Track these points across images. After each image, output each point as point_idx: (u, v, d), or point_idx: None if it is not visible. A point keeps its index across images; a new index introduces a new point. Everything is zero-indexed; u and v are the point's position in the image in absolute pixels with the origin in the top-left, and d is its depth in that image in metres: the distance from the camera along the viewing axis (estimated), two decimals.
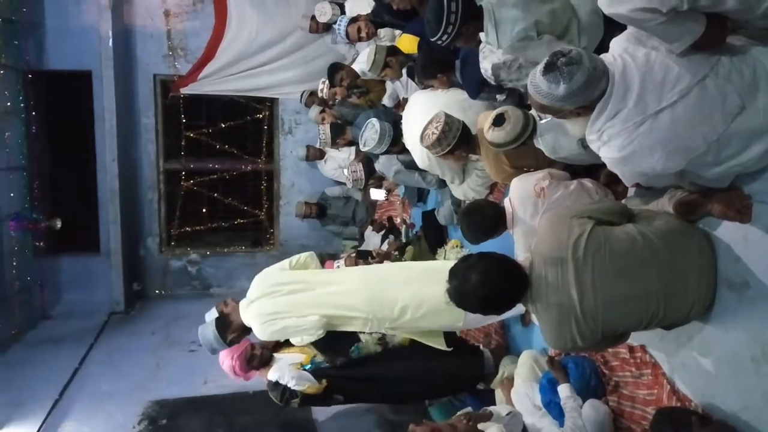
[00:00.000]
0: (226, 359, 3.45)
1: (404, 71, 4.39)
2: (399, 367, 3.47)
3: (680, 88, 1.59)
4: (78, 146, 6.29)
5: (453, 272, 1.97)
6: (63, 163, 6.39)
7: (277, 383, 3.38)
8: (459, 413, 2.71)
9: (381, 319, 3.10)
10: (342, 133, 5.10)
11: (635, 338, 2.29)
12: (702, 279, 1.88)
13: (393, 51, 4.09)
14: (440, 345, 3.25)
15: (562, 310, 1.84)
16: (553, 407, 2.51)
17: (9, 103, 5.61)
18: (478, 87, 2.86)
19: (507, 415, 2.52)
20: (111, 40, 5.91)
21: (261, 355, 3.50)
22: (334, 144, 5.29)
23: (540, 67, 1.65)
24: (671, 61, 1.62)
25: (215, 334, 3.13)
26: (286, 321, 3.08)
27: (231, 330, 3.22)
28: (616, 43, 1.76)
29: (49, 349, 5.19)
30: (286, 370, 3.37)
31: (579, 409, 2.40)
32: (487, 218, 2.65)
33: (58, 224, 5.83)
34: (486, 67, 2.62)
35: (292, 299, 3.13)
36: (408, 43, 4.08)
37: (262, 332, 3.14)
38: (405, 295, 3.06)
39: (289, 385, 3.34)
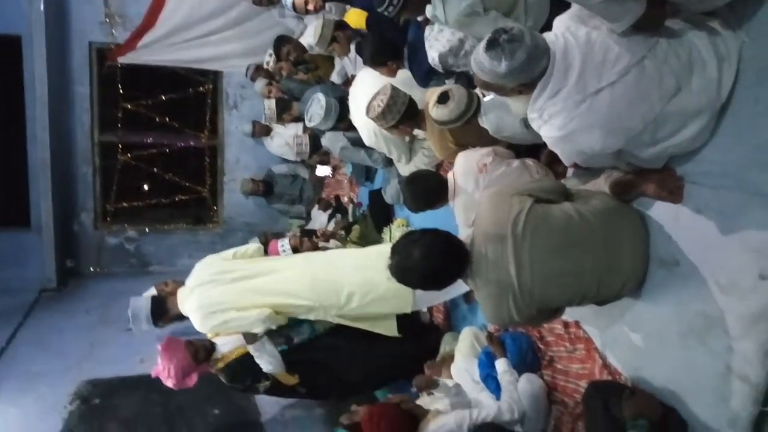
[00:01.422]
0: (165, 368, 3.07)
1: (353, 47, 4.33)
2: (350, 350, 3.32)
3: (619, 68, 1.62)
4: (6, 114, 5.91)
5: (395, 248, 1.97)
6: None
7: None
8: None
9: (327, 307, 3.06)
10: (288, 108, 5.00)
11: (570, 314, 2.35)
12: (635, 257, 1.95)
13: (341, 26, 4.01)
14: (392, 332, 3.25)
15: (500, 285, 1.87)
16: (491, 381, 2.56)
17: None
18: (426, 75, 2.88)
19: (453, 386, 2.57)
20: (42, 4, 5.53)
21: (204, 346, 3.18)
22: (280, 119, 5.18)
23: (483, 44, 1.66)
24: (611, 41, 1.64)
25: (148, 311, 3.03)
26: (229, 314, 3.00)
27: (165, 314, 3.13)
28: (559, 22, 1.77)
29: None
30: (265, 348, 3.11)
31: (515, 383, 2.46)
32: (429, 187, 2.67)
33: None
34: (433, 56, 2.64)
35: (234, 287, 3.05)
36: (356, 17, 4.02)
37: (202, 325, 3.06)
38: (351, 281, 3.04)
39: (261, 366, 3.10)
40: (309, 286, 3.02)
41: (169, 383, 3.05)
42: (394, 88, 2.85)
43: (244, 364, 3.16)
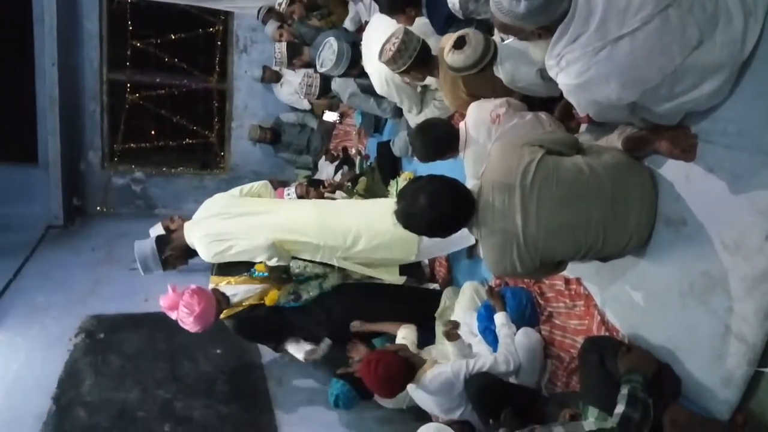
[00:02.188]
0: (192, 312, 3.04)
1: None
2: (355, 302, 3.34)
3: (642, 15, 1.56)
4: (13, 48, 5.83)
5: (402, 193, 1.96)
6: None
7: None
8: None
9: (333, 248, 3.08)
10: (299, 53, 4.89)
11: (571, 270, 2.35)
12: (642, 214, 1.93)
13: None
14: (394, 277, 3.27)
15: (505, 235, 1.86)
16: (488, 334, 2.59)
17: None
18: (446, 22, 2.79)
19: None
20: None
21: (224, 297, 3.24)
22: (291, 64, 5.08)
23: None
24: None
25: (153, 249, 3.05)
26: (234, 242, 3.03)
27: (171, 247, 3.14)
28: None
29: None
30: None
31: (513, 336, 2.48)
32: (440, 136, 2.63)
33: None
34: (453, 1, 2.53)
35: (241, 221, 3.08)
36: None
37: (206, 252, 3.08)
38: (358, 224, 3.06)
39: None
40: (316, 226, 3.05)
41: (189, 326, 3.08)
42: (407, 32, 2.77)
43: (252, 321, 3.26)
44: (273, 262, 3.10)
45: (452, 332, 2.63)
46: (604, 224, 1.87)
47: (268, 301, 3.26)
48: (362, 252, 3.05)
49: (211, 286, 3.31)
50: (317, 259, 3.20)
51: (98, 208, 6.47)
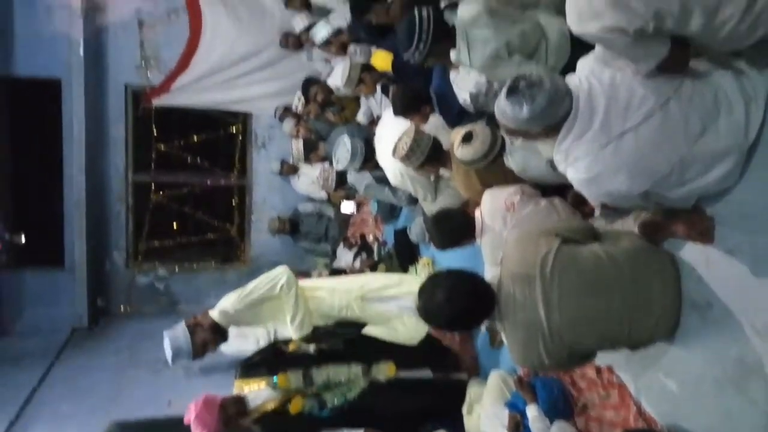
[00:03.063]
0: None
1: (378, 87, 4.41)
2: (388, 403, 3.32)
3: (644, 110, 1.61)
4: (44, 156, 6.14)
5: (421, 289, 1.97)
6: (28, 173, 6.22)
7: None
8: None
9: (348, 290, 3.37)
10: (314, 149, 5.08)
11: (602, 359, 2.29)
12: (666, 299, 1.89)
13: (367, 68, 4.10)
14: (411, 340, 3.39)
15: (529, 328, 1.84)
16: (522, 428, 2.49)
17: None
18: (458, 116, 2.91)
19: None
20: (82, 48, 5.80)
21: (234, 401, 3.19)
22: (307, 159, 5.26)
23: (503, 91, 1.68)
24: (636, 83, 1.64)
25: (185, 330, 3.07)
26: (254, 283, 3.25)
27: (201, 331, 3.15)
28: (583, 65, 1.78)
29: (7, 367, 4.99)
30: None
31: (547, 430, 2.38)
32: (456, 225, 2.67)
33: (21, 239, 5.66)
34: (464, 96, 2.68)
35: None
36: (382, 59, 4.10)
37: (232, 301, 3.19)
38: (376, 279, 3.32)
39: None
40: (331, 285, 3.44)
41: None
42: (417, 130, 2.89)
43: (276, 423, 3.20)
44: (297, 321, 3.22)
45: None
46: (628, 312, 1.84)
47: (293, 408, 3.21)
48: (376, 292, 3.27)
49: (234, 390, 3.27)
50: (335, 310, 3.35)
51: (122, 308, 6.54)
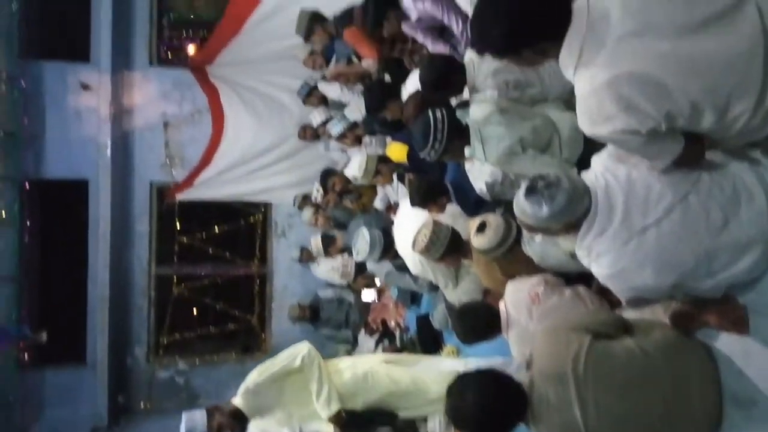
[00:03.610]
0: None
1: (395, 176, 4.51)
2: None
3: (664, 205, 1.62)
4: (70, 254, 6.28)
5: (449, 390, 1.91)
6: (54, 272, 6.35)
7: None
8: None
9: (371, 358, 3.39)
10: (333, 242, 5.17)
11: None
12: (705, 394, 1.81)
13: (383, 159, 4.21)
14: None
15: (566, 431, 1.76)
16: None
17: (4, 215, 5.66)
18: (475, 206, 2.95)
19: None
20: (109, 150, 6.08)
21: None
22: (327, 254, 5.34)
23: (522, 190, 1.71)
24: (653, 179, 1.66)
25: (203, 415, 3.01)
26: (276, 357, 3.23)
27: (220, 415, 3.09)
28: (597, 161, 1.81)
29: None
30: None
31: None
32: (480, 320, 2.63)
33: (44, 338, 5.68)
34: (480, 186, 2.72)
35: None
36: (397, 151, 4.21)
37: (253, 376, 3.17)
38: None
39: None
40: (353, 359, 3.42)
41: None
42: (436, 223, 2.92)
43: None
44: (323, 396, 3.14)
45: None
46: (668, 408, 1.76)
47: None
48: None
49: None
50: (359, 380, 3.26)
51: (142, 404, 6.43)
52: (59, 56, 6.22)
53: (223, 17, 5.31)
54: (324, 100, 5.62)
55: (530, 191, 1.69)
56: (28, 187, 6.04)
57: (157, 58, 6.58)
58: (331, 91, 5.39)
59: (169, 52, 6.72)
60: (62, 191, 6.28)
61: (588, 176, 1.76)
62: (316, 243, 5.25)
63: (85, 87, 6.11)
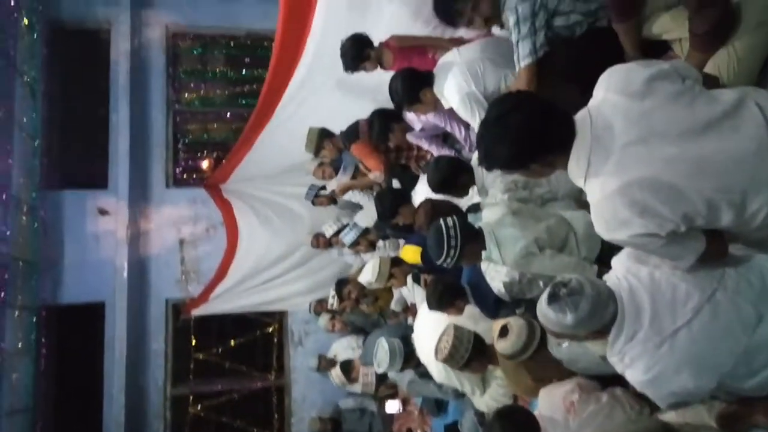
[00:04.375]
0: None
1: (409, 277, 4.49)
2: None
3: (692, 306, 1.58)
4: (85, 378, 6.17)
5: None
6: (69, 398, 6.21)
7: None
8: None
9: None
10: (352, 367, 5.13)
11: None
12: None
13: (397, 262, 4.21)
14: None
15: None
16: None
17: (20, 344, 5.63)
18: (494, 307, 2.91)
19: None
20: (126, 272, 6.15)
21: None
22: (351, 381, 5.26)
23: (544, 297, 1.68)
24: (676, 279, 1.63)
25: None
26: None
27: None
28: (618, 263, 1.79)
29: None
30: None
31: None
32: (519, 425, 2.47)
33: None
34: (498, 286, 2.68)
35: None
36: (411, 253, 4.22)
37: None
38: None
39: None
40: None
41: None
42: (457, 328, 2.86)
43: None
44: None
45: None
46: None
47: None
48: None
49: None
50: None
51: None
52: (78, 184, 6.48)
53: (238, 140, 5.55)
54: (333, 200, 5.74)
55: (553, 299, 1.66)
56: (44, 313, 6.05)
57: (173, 180, 6.81)
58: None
59: (184, 174, 6.97)
60: (78, 315, 6.28)
61: (610, 279, 1.74)
62: (337, 375, 5.23)
63: (103, 212, 6.29)
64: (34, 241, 5.87)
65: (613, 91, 1.59)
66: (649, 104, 1.54)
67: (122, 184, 6.26)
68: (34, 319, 5.88)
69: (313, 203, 5.82)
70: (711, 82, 1.74)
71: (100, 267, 6.18)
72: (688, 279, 1.63)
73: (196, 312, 6.40)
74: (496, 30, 2.64)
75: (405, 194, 3.71)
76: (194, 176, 6.95)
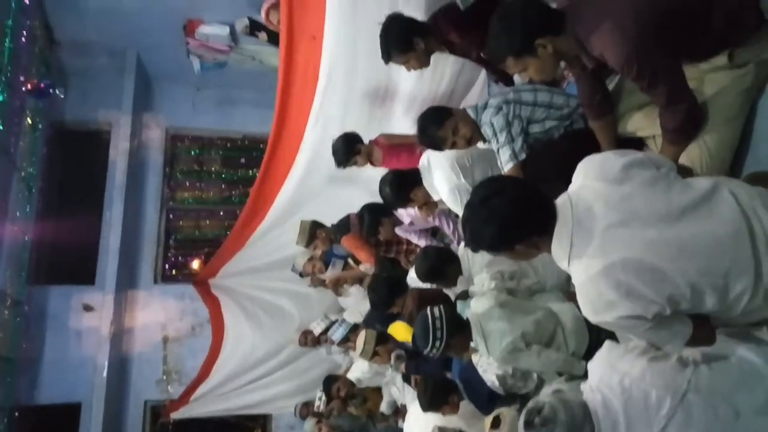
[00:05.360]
0: None
1: (399, 377, 4.36)
2: None
3: (664, 412, 1.53)
4: None
5: None
6: None
7: None
8: None
9: None
10: None
11: None
12: None
13: (382, 340, 4.11)
14: None
15: None
16: None
17: None
18: (489, 401, 2.82)
19: None
20: (106, 371, 5.93)
21: None
22: None
23: (521, 425, 1.69)
24: (646, 385, 1.58)
25: None
26: None
27: None
28: (593, 370, 1.77)
29: None
30: None
31: None
32: None
33: None
34: (491, 379, 2.63)
35: None
36: (404, 331, 4.11)
37: None
38: None
39: None
40: None
41: None
42: (442, 429, 2.77)
43: None
44: None
45: None
46: None
47: None
48: None
49: None
50: None
51: None
52: (65, 280, 6.40)
53: (229, 236, 5.60)
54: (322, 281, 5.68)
55: (528, 426, 1.67)
56: (17, 414, 5.74)
57: (161, 276, 6.77)
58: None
59: (173, 270, 6.95)
60: (53, 416, 5.97)
61: (586, 391, 1.72)
62: None
63: (88, 309, 6.19)
64: (16, 336, 5.70)
65: (591, 178, 1.66)
66: (628, 189, 1.59)
67: (110, 279, 6.19)
68: (7, 419, 5.57)
69: (301, 275, 5.75)
70: (685, 173, 1.82)
71: (79, 365, 5.97)
72: (658, 383, 1.57)
73: (176, 415, 6.11)
74: (480, 145, 2.79)
75: (400, 283, 3.68)
76: (183, 272, 6.92)
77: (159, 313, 6.50)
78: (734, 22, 1.84)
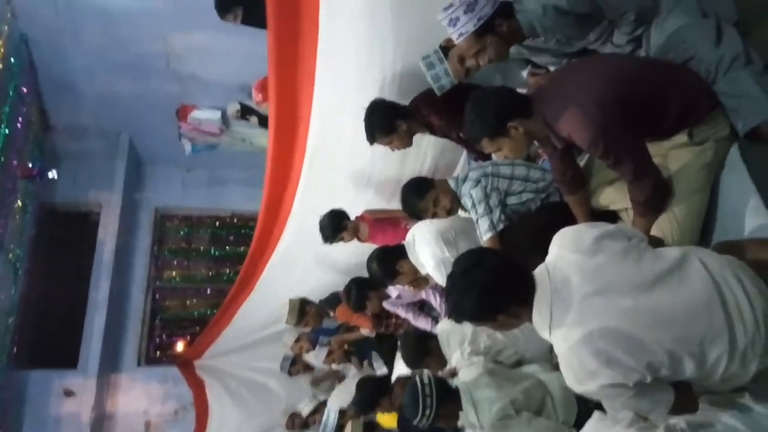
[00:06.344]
0: None
1: None
2: None
3: None
4: None
5: None
6: None
7: None
8: None
9: None
10: None
11: None
12: None
13: (370, 427, 4.00)
14: None
15: None
16: None
17: None
18: None
19: None
20: None
21: None
22: None
23: None
24: None
25: None
26: None
27: None
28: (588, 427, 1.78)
29: None
30: None
31: None
32: None
33: None
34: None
35: None
36: (391, 418, 4.03)
37: None
38: None
39: None
40: None
41: None
42: None
43: None
44: None
45: None
46: None
47: None
48: None
49: None
50: None
51: None
52: (47, 364, 6.24)
53: (216, 314, 5.55)
54: (309, 368, 5.57)
55: None
56: None
57: (145, 358, 6.63)
58: (315, 359, 5.38)
59: (158, 351, 6.82)
60: None
61: None
62: None
63: (69, 394, 6.00)
64: None
65: (566, 250, 1.73)
66: (601, 260, 1.67)
67: (92, 362, 6.05)
68: None
69: (290, 374, 5.64)
70: (656, 243, 1.90)
71: None
72: None
73: None
74: (462, 213, 2.90)
75: (384, 385, 3.61)
76: (168, 353, 6.77)
77: (141, 397, 6.30)
78: (690, 107, 1.99)
